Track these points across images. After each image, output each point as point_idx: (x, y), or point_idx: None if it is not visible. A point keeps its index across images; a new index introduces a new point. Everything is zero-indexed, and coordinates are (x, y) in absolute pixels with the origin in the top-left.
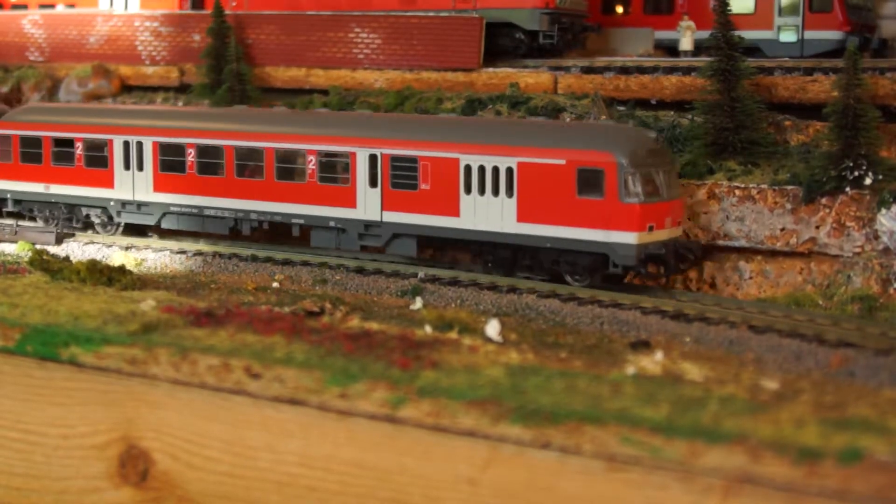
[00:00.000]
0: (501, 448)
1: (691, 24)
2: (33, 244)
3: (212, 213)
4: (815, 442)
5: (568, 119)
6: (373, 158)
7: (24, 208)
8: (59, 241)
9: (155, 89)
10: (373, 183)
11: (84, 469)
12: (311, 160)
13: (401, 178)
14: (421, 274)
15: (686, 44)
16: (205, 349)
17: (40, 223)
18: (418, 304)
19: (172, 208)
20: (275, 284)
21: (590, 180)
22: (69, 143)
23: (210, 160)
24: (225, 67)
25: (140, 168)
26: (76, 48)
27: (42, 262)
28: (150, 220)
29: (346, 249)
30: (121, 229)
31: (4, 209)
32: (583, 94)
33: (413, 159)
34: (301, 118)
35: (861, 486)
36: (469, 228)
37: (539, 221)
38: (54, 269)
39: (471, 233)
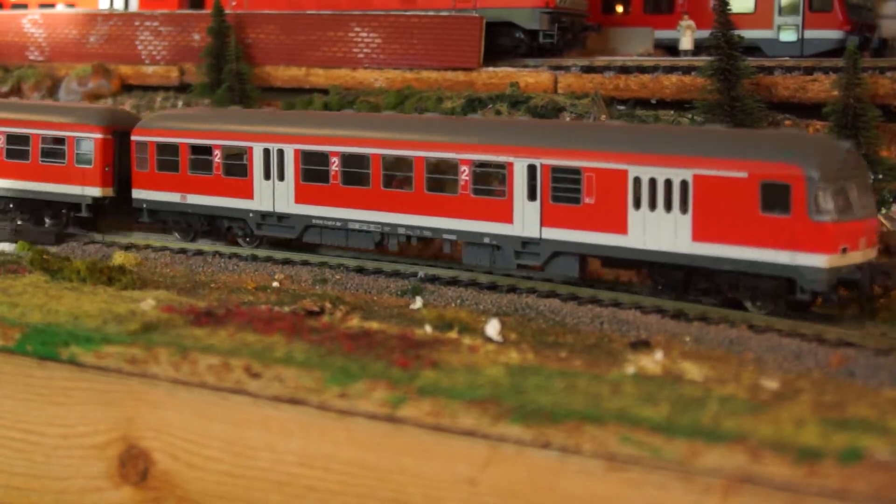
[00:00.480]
0: (501, 448)
1: (691, 23)
2: (33, 244)
3: (356, 226)
4: (815, 442)
5: (568, 118)
6: (531, 169)
7: (159, 219)
8: (59, 241)
9: (155, 89)
10: (531, 196)
11: (84, 469)
12: (465, 171)
13: (562, 191)
14: (421, 273)
15: (686, 43)
16: (205, 349)
17: (177, 235)
18: (418, 303)
19: (315, 221)
20: (275, 284)
21: (775, 196)
22: (207, 150)
23: (355, 169)
24: (225, 67)
25: (281, 177)
26: (76, 48)
27: (42, 262)
28: (290, 234)
29: (501, 268)
30: (262, 243)
31: (140, 220)
32: (583, 94)
33: (576, 171)
34: (454, 125)
35: (861, 486)
36: (638, 247)
37: (716, 241)
38: (54, 269)
39: (640, 252)
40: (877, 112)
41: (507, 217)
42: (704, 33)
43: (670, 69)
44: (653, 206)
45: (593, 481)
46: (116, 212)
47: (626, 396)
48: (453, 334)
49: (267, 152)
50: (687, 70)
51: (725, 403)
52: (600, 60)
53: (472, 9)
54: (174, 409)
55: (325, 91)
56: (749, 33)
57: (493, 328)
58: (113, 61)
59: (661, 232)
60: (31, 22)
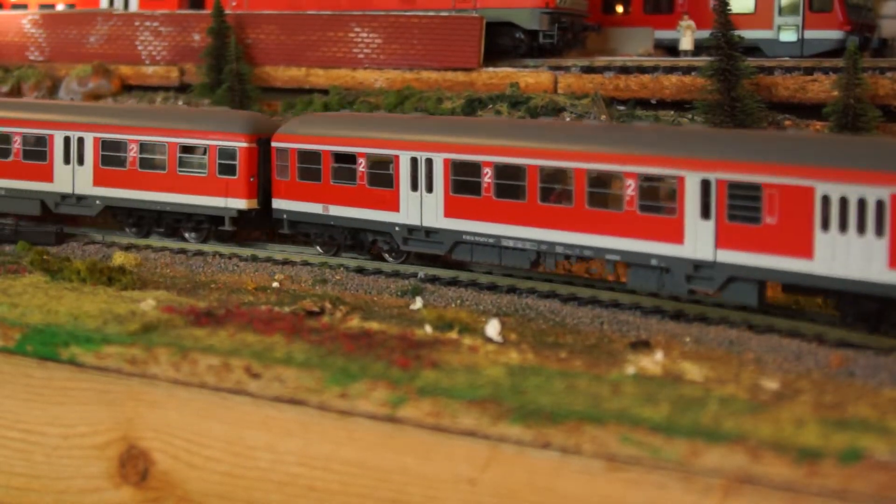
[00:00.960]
0: (501, 448)
1: (691, 23)
2: (33, 244)
3: (510, 243)
4: (815, 442)
5: (568, 118)
6: (705, 184)
7: (299, 231)
8: (59, 241)
9: (155, 89)
10: (704, 214)
11: (84, 469)
12: (630, 185)
13: (740, 209)
14: (421, 274)
15: (686, 43)
16: (205, 349)
17: (318, 249)
18: (418, 304)
19: (465, 237)
20: (275, 284)
21: None
22: (351, 158)
23: (510, 182)
24: (225, 67)
25: (429, 189)
26: (76, 48)
27: (42, 262)
28: (439, 250)
29: (670, 293)
30: (409, 259)
31: (280, 231)
32: (583, 94)
33: (755, 186)
34: (619, 134)
35: (861, 486)
36: (825, 274)
37: None
38: (54, 269)
39: (827, 280)
40: (877, 112)
41: (678, 237)
42: (704, 33)
43: (670, 69)
44: (843, 227)
45: (593, 481)
46: (257, 224)
47: (627, 397)
48: (453, 335)
49: (414, 161)
50: (687, 70)
51: (725, 403)
52: (600, 60)
53: (472, 9)
54: (174, 410)
55: (325, 91)
56: (749, 33)
57: (493, 328)
58: (113, 61)
59: (851, 257)
60: (31, 22)
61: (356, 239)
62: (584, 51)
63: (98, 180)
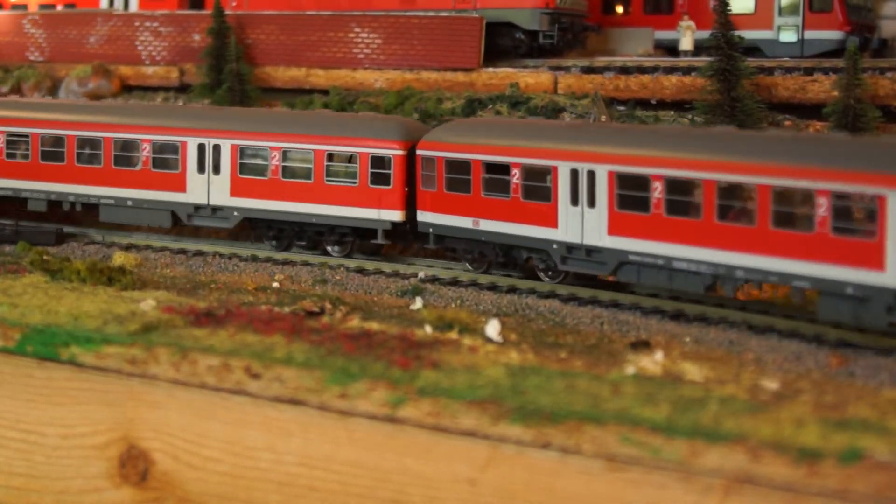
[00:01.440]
0: (501, 448)
1: (691, 23)
2: (33, 244)
3: (683, 265)
4: (815, 442)
5: (568, 119)
6: None
7: (446, 245)
8: (59, 241)
9: (155, 89)
10: None
11: (84, 469)
12: (822, 204)
13: None
14: (421, 274)
15: (686, 44)
16: (205, 349)
17: (468, 266)
18: (418, 304)
19: (631, 257)
20: (275, 284)
21: None
22: (504, 168)
23: (683, 198)
24: (225, 67)
25: (591, 204)
26: (76, 48)
27: (42, 262)
28: (601, 271)
29: (869, 326)
30: (566, 279)
31: (426, 245)
32: (583, 94)
33: None
34: (807, 144)
35: (861, 486)
36: None
37: None
38: (54, 269)
39: None
40: (877, 113)
41: (878, 263)
42: (704, 34)
43: (670, 70)
44: None
45: (593, 481)
46: (401, 237)
47: (627, 397)
48: (453, 335)
49: (575, 173)
50: (687, 70)
51: (725, 404)
52: (600, 61)
53: (472, 9)
54: (174, 410)
55: (325, 92)
56: (749, 34)
57: (493, 329)
58: (113, 61)
59: None
60: (31, 22)
61: (508, 256)
62: (584, 51)
63: (235, 190)
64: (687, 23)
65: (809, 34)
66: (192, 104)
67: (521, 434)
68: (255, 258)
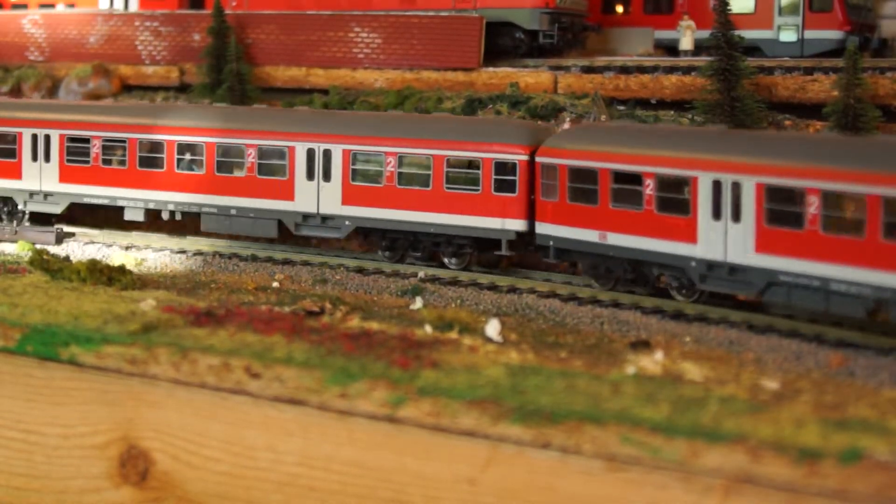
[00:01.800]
0: (501, 448)
1: (691, 23)
2: (33, 244)
3: (842, 287)
4: (815, 442)
5: (568, 119)
6: None
7: (569, 260)
8: (59, 241)
9: (155, 89)
10: None
11: (84, 469)
12: None
13: None
14: (421, 274)
15: (686, 43)
16: (205, 349)
17: (595, 284)
18: (418, 304)
19: (782, 277)
20: (275, 284)
21: None
22: (636, 178)
23: (841, 213)
24: (225, 67)
25: (736, 218)
26: (76, 48)
27: (42, 262)
28: (746, 291)
29: None
30: (704, 298)
31: (545, 259)
32: (583, 94)
33: None
34: None
35: (861, 486)
36: None
37: None
38: (54, 269)
39: None
40: (877, 112)
41: None
42: (704, 33)
43: (670, 69)
44: None
45: (593, 481)
46: (519, 248)
47: (627, 397)
48: (453, 334)
49: (717, 185)
50: (687, 70)
51: (725, 403)
52: (600, 60)
53: (472, 9)
54: (174, 410)
55: (325, 91)
56: (749, 33)
57: (493, 328)
58: (113, 61)
59: None
60: (31, 22)
61: (638, 272)
62: (584, 51)
63: (347, 198)
64: (687, 22)
65: (809, 34)
66: (301, 108)
67: (520, 434)
68: (255, 258)
